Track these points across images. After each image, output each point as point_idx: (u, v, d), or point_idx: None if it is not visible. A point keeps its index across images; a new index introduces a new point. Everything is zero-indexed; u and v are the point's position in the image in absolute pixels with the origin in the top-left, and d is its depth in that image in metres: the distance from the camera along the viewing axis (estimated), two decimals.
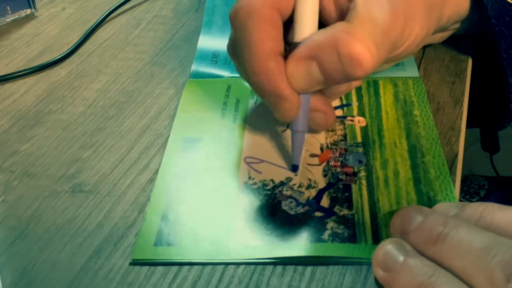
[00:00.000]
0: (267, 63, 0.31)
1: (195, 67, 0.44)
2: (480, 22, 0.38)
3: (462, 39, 0.43)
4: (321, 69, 0.31)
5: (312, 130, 0.36)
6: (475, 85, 0.42)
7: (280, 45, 0.32)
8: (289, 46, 0.32)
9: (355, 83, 0.36)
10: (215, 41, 0.46)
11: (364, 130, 0.37)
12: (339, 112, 0.38)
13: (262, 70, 0.31)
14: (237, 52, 0.33)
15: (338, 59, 0.30)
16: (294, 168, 0.34)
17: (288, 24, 0.33)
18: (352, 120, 0.37)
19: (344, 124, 0.37)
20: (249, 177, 0.34)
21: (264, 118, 0.38)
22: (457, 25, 0.39)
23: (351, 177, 0.33)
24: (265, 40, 0.31)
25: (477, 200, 0.81)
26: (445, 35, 0.41)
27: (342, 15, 0.32)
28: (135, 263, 0.30)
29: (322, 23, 0.33)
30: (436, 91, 0.40)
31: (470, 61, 0.43)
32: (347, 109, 0.38)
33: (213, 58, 0.44)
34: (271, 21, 0.31)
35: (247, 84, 0.41)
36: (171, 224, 0.31)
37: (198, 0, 0.54)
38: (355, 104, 0.39)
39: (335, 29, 0.31)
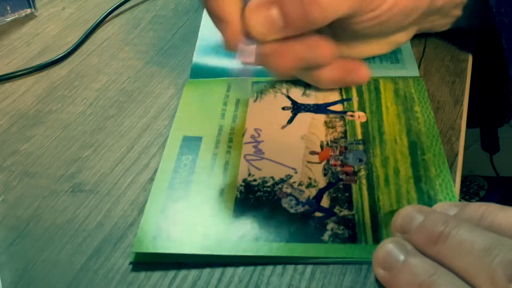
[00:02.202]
0: None
1: (196, 58, 0.44)
2: (481, 12, 0.38)
3: (462, 38, 0.43)
4: (282, 12, 0.31)
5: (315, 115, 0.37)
6: (475, 84, 0.42)
7: None
8: None
9: (350, 78, 0.36)
10: (216, 37, 0.46)
11: (365, 126, 0.37)
12: (339, 107, 0.38)
13: None
14: None
15: (299, 2, 0.31)
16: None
17: None
18: (352, 116, 0.37)
19: (344, 120, 0.37)
20: (249, 174, 0.34)
21: (264, 115, 0.38)
22: (458, 12, 0.39)
23: (351, 177, 0.33)
24: None
25: (477, 201, 0.81)
26: (447, 22, 0.40)
27: None
28: (135, 260, 0.30)
29: None
30: (436, 90, 0.40)
31: (470, 60, 0.43)
32: (347, 104, 0.38)
33: (214, 50, 0.44)
34: None
35: (246, 84, 0.41)
36: (171, 218, 0.31)
37: (198, 0, 0.54)
38: (355, 99, 0.39)
39: None
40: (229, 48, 0.34)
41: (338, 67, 0.37)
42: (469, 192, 0.86)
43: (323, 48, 0.35)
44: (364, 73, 0.36)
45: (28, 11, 0.53)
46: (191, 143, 0.36)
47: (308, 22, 0.31)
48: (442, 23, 0.41)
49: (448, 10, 0.38)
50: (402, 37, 0.39)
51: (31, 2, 0.53)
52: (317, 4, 0.30)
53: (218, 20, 0.33)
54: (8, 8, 0.52)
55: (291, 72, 0.35)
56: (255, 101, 0.40)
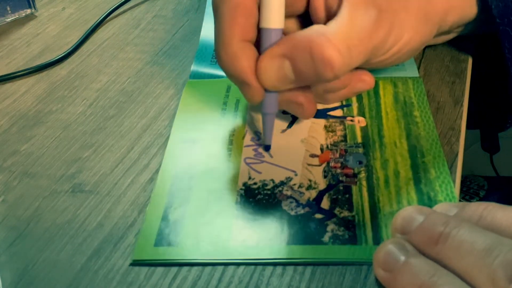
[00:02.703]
0: (231, 47, 0.32)
1: (194, 67, 0.44)
2: (484, 23, 0.38)
3: (462, 39, 0.43)
4: (293, 67, 0.32)
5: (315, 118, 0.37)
6: (475, 86, 0.42)
7: (250, 32, 0.33)
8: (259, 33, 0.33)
9: (356, 90, 0.36)
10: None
11: (364, 130, 0.37)
12: (339, 112, 0.38)
13: (226, 53, 0.32)
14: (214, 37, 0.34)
15: (311, 60, 0.31)
16: (267, 148, 0.36)
17: None
18: (352, 120, 0.37)
19: (344, 124, 0.37)
20: (249, 177, 0.34)
21: None
22: (461, 28, 0.40)
23: (352, 179, 0.33)
24: (233, 25, 0.32)
25: (477, 201, 0.81)
26: (449, 37, 0.41)
27: (330, 19, 0.32)
28: (135, 263, 0.30)
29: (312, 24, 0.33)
30: (436, 91, 0.40)
31: (470, 61, 0.43)
32: (347, 110, 0.38)
33: (212, 58, 0.44)
34: (243, 8, 0.32)
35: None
36: (172, 224, 0.31)
37: (198, 0, 0.54)
38: (355, 104, 0.39)
39: (312, 30, 0.31)
40: (252, 104, 0.34)
41: (342, 82, 0.37)
42: (469, 192, 0.86)
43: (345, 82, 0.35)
44: (369, 79, 0.36)
45: (28, 11, 0.53)
46: (192, 144, 0.36)
47: (319, 79, 0.32)
48: (444, 39, 0.41)
49: (452, 30, 0.39)
50: (398, 62, 0.39)
51: (31, 2, 0.53)
52: (329, 65, 0.30)
53: (239, 83, 0.33)
54: (8, 8, 0.52)
55: (314, 108, 0.35)
56: None
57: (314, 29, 0.31)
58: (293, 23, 0.36)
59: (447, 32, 0.39)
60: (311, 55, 0.31)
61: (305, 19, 0.36)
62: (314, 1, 0.34)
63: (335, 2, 0.33)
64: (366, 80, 0.35)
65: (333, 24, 0.31)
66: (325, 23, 0.32)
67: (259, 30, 0.33)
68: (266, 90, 0.33)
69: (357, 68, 0.33)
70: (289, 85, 0.33)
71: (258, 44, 0.33)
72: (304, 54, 0.31)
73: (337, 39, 0.31)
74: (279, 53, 0.32)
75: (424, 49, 0.44)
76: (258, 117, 0.38)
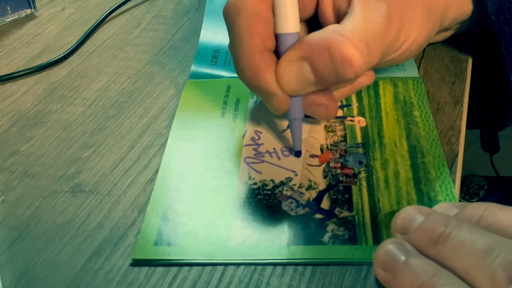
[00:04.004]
0: (253, 59, 0.32)
1: (194, 67, 0.44)
2: (481, 20, 0.38)
3: (462, 39, 0.43)
4: (313, 70, 0.31)
5: (314, 119, 0.37)
6: (475, 86, 0.42)
7: (269, 41, 0.32)
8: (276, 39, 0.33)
9: (360, 85, 0.36)
10: (215, 42, 0.46)
11: (364, 130, 0.37)
12: (339, 113, 0.38)
13: (249, 66, 0.32)
14: (230, 48, 0.33)
15: (330, 60, 0.30)
16: (297, 154, 0.35)
17: None
18: (352, 120, 0.37)
19: (344, 124, 0.37)
20: (249, 177, 0.34)
21: (264, 117, 0.38)
22: (459, 25, 0.40)
23: (351, 179, 0.33)
24: (252, 36, 0.32)
25: (477, 201, 0.81)
26: (447, 34, 0.41)
27: (340, 19, 0.32)
28: (135, 263, 0.30)
29: (321, 27, 0.33)
30: (436, 91, 0.40)
31: (470, 61, 0.43)
32: (347, 110, 0.38)
33: (212, 59, 0.44)
34: (260, 17, 0.32)
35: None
36: (171, 224, 0.31)
37: (198, 0, 0.54)
38: (355, 104, 0.39)
39: (328, 31, 0.31)
40: (278, 113, 0.34)
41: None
42: (469, 192, 0.86)
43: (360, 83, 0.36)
44: (370, 74, 0.36)
45: (28, 11, 0.53)
46: (191, 144, 0.36)
47: (340, 79, 0.31)
48: (443, 36, 0.41)
49: (451, 27, 0.39)
50: (405, 60, 0.39)
51: (31, 2, 0.53)
52: (349, 64, 0.30)
53: (264, 94, 0.33)
54: (8, 8, 0.52)
55: (336, 109, 0.35)
56: (255, 102, 0.40)
57: (330, 29, 0.31)
58: (302, 28, 0.36)
59: (447, 28, 0.39)
60: (330, 55, 0.30)
61: (314, 23, 0.35)
62: (323, 4, 0.34)
63: (344, 2, 0.33)
64: (368, 75, 0.36)
65: (348, 22, 0.31)
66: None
67: (276, 37, 0.33)
68: (291, 96, 0.33)
69: None
70: (310, 87, 0.32)
71: (276, 51, 0.33)
72: (322, 55, 0.30)
73: (354, 37, 0.30)
74: (297, 56, 0.31)
75: (424, 49, 0.44)
76: (258, 117, 0.38)
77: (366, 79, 0.36)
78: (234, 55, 0.33)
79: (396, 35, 0.32)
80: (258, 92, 0.33)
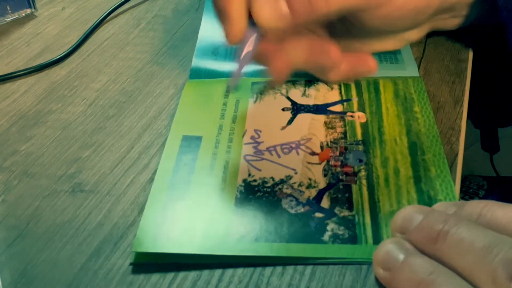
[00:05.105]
0: None
1: (195, 62, 0.44)
2: (491, 9, 0.38)
3: (462, 36, 0.43)
4: (289, 4, 0.33)
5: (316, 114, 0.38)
6: (476, 84, 0.42)
7: None
8: None
9: (357, 70, 0.37)
10: (215, 37, 0.46)
11: (364, 126, 0.37)
12: (339, 107, 0.38)
13: None
14: None
15: None
16: (228, 89, 0.38)
17: None
18: (352, 116, 0.37)
19: (344, 120, 0.37)
20: (249, 174, 0.34)
21: (263, 116, 0.38)
22: (469, 11, 0.39)
23: (351, 177, 0.33)
24: None
25: None
26: (455, 22, 0.41)
27: None
28: (135, 261, 0.30)
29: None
30: (436, 90, 0.40)
31: (470, 61, 0.43)
32: (347, 105, 0.38)
33: (213, 52, 0.44)
34: None
35: (246, 84, 0.41)
36: (171, 218, 0.31)
37: (198, 0, 0.54)
38: (355, 99, 0.39)
39: None
40: (231, 43, 0.35)
41: (346, 62, 0.37)
42: (469, 192, 0.86)
43: (329, 53, 0.36)
44: (372, 64, 0.36)
45: (28, 11, 0.53)
46: (191, 142, 0.36)
47: (313, 13, 0.33)
48: (453, 22, 0.41)
49: (459, 9, 0.39)
50: (414, 35, 0.40)
51: (31, 2, 0.53)
52: None
53: (223, 15, 0.34)
54: (8, 8, 0.52)
55: (285, 74, 0.36)
56: (255, 102, 0.40)
57: None
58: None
59: (451, 9, 0.39)
60: None
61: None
62: None
63: None
64: (370, 63, 0.36)
65: None
66: None
67: None
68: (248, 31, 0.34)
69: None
70: (285, 23, 0.33)
71: None
72: None
73: None
74: None
75: (424, 48, 0.44)
76: (258, 116, 0.38)
77: (368, 68, 0.36)
78: None
79: None
80: (220, 14, 0.34)
